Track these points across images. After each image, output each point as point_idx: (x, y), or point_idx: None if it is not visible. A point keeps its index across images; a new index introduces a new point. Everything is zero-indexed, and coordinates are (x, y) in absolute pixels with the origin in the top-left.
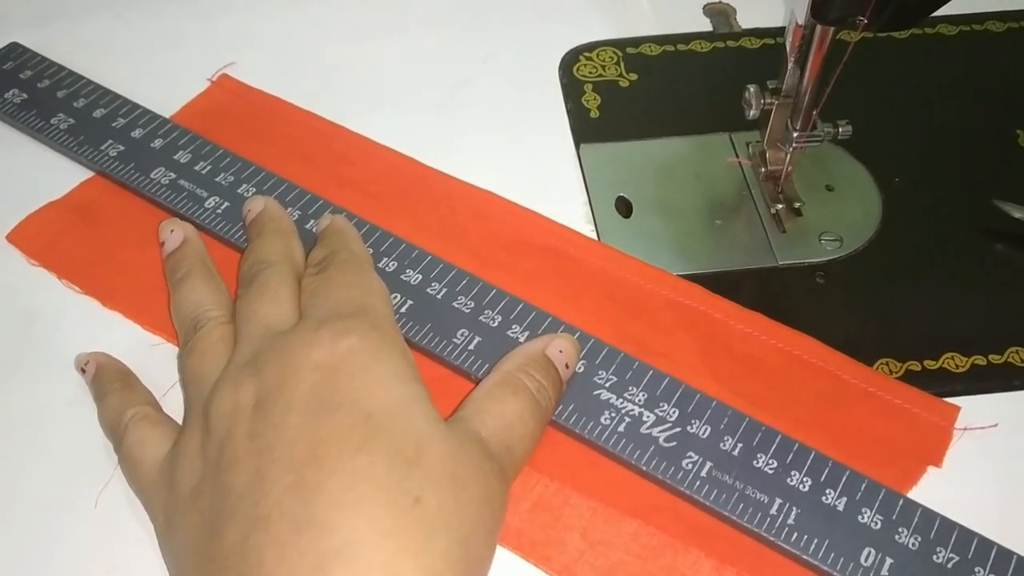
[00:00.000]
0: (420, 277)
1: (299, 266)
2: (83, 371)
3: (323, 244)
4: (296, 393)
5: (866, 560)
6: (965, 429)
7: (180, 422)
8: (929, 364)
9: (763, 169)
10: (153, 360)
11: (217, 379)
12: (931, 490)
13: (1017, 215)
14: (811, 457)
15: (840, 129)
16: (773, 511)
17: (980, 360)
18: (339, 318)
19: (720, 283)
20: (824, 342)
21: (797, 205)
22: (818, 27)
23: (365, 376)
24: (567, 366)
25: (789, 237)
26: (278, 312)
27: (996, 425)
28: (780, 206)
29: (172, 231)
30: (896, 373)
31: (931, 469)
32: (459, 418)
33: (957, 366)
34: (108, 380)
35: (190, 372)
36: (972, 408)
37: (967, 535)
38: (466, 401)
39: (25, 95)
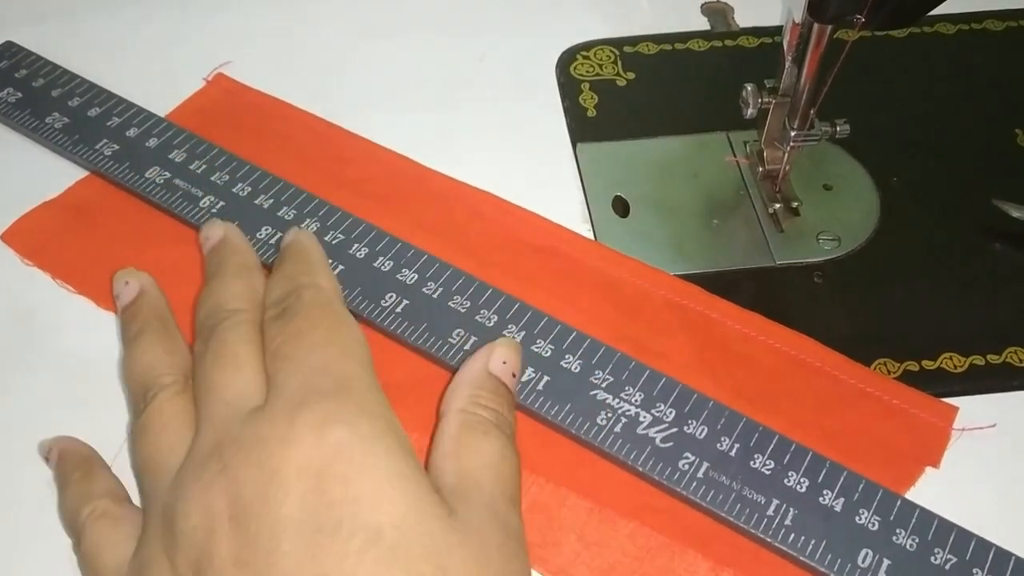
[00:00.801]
0: (416, 276)
1: (262, 309)
2: (47, 460)
3: (283, 273)
4: (284, 509)
5: (863, 561)
6: (963, 430)
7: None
8: (927, 364)
9: (761, 168)
10: None
11: (177, 472)
12: (929, 491)
13: (1016, 214)
14: (808, 458)
15: (838, 128)
16: (770, 512)
17: (978, 360)
18: (317, 398)
19: (717, 283)
20: (822, 342)
21: (795, 204)
22: (816, 26)
23: (362, 480)
24: (514, 375)
25: (787, 237)
26: (239, 382)
27: (994, 426)
28: (778, 205)
29: (127, 283)
30: (894, 373)
31: (929, 470)
32: (453, 490)
33: (955, 366)
34: (69, 469)
35: (143, 457)
36: (970, 408)
37: (965, 536)
38: (438, 458)
39: (20, 94)
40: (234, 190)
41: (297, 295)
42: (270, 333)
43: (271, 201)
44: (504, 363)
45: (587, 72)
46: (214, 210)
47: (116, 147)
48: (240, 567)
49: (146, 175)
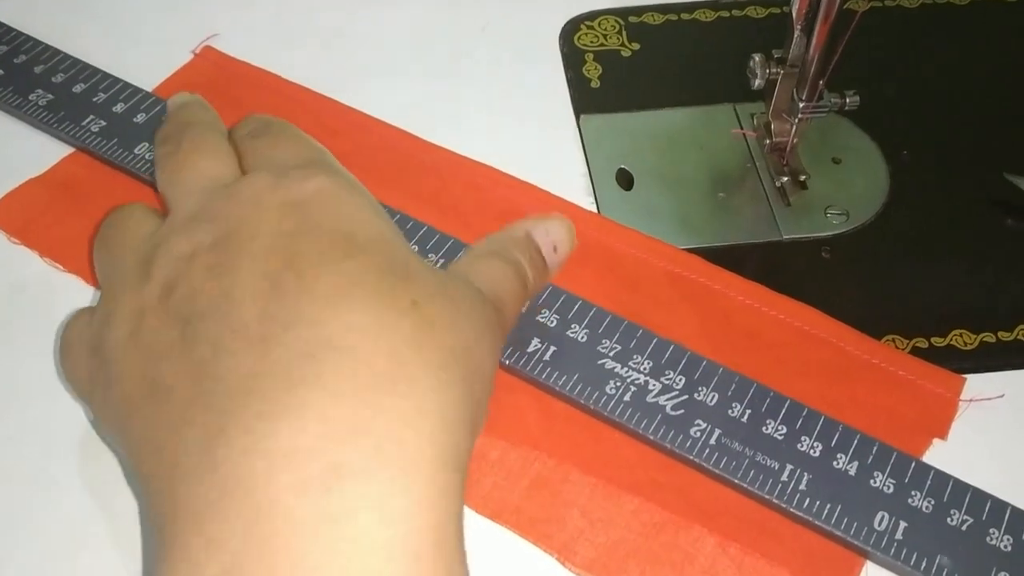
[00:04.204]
0: (415, 248)
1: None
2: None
3: (248, 121)
4: (263, 225)
5: (880, 524)
6: (971, 400)
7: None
8: (937, 341)
9: (768, 141)
10: None
11: (154, 233)
12: (936, 463)
13: None
14: (820, 422)
15: (847, 100)
16: (784, 477)
17: (989, 337)
18: (302, 163)
19: (723, 258)
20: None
21: (802, 178)
22: None
23: (340, 206)
24: (555, 249)
25: (794, 211)
26: (221, 166)
27: (1002, 396)
28: (785, 179)
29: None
30: (903, 350)
31: (936, 441)
32: (448, 270)
33: (965, 343)
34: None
35: (103, 247)
36: (980, 386)
37: (981, 497)
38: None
39: (1, 71)
40: None
41: (267, 124)
42: (249, 149)
43: None
44: (547, 233)
45: (591, 42)
46: None
47: (103, 123)
48: (212, 269)
49: (135, 151)
